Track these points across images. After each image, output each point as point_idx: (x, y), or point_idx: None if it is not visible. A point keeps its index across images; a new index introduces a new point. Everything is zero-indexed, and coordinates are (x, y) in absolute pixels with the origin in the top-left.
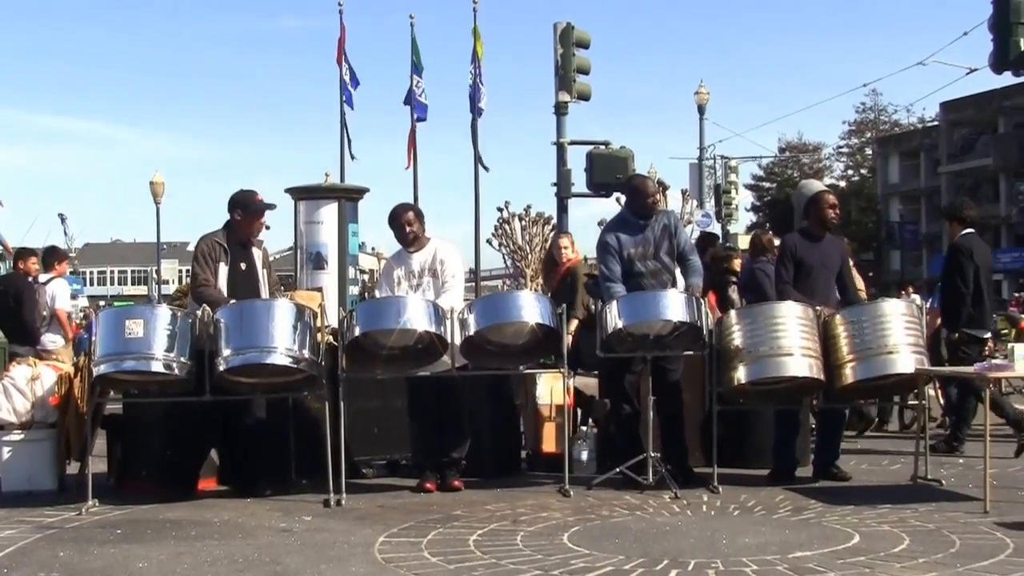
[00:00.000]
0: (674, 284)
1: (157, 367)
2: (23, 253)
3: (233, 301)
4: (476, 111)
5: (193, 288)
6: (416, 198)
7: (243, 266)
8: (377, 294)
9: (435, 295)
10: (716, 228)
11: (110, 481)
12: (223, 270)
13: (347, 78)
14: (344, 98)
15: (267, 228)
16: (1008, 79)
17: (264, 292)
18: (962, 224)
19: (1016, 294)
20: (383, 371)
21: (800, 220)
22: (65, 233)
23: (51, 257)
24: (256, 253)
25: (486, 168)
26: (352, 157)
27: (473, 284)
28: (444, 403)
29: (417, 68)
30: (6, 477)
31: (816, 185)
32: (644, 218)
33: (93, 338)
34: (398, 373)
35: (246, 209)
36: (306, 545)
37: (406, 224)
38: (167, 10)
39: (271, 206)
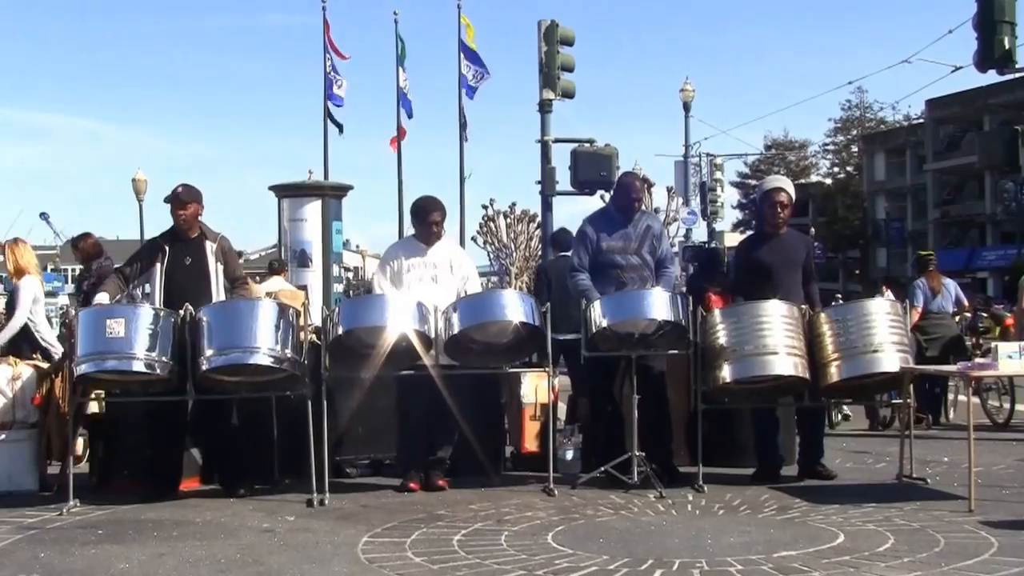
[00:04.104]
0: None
1: (139, 367)
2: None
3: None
4: (469, 92)
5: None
6: (400, 194)
7: (188, 260)
8: (375, 285)
9: (452, 288)
10: (702, 226)
11: (92, 481)
12: (156, 268)
13: (332, 73)
14: (328, 93)
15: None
16: (993, 77)
17: (214, 285)
18: (558, 247)
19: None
20: (366, 370)
21: None
22: (52, 228)
23: None
24: (209, 247)
25: (466, 139)
26: (340, 131)
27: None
28: (434, 402)
29: (401, 61)
30: None
31: (770, 182)
32: (626, 216)
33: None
34: (381, 372)
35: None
36: (289, 545)
37: (433, 223)
38: (151, 5)
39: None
